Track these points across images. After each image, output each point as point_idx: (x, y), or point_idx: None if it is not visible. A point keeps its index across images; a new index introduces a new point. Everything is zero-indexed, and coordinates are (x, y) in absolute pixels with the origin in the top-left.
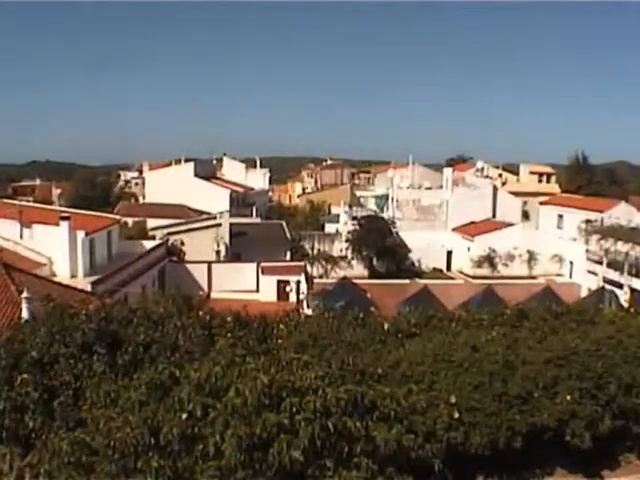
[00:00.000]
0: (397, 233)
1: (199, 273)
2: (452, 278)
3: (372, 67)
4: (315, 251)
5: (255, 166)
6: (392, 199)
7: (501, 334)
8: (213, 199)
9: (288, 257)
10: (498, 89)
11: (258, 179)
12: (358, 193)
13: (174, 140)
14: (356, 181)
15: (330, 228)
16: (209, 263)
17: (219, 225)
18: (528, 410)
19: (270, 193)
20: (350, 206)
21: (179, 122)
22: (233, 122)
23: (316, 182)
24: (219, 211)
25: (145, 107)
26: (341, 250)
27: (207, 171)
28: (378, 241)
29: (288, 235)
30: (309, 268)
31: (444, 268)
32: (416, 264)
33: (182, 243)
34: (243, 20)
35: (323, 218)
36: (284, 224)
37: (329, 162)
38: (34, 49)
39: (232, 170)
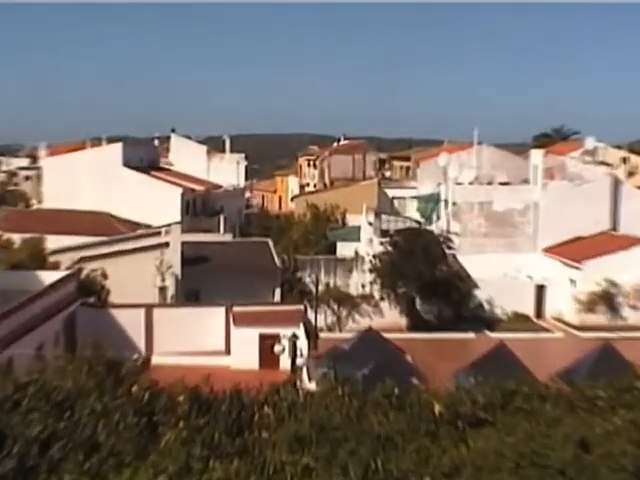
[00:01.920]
0: (454, 257)
1: (132, 323)
2: (546, 329)
3: None
4: (321, 287)
5: (223, 150)
6: (446, 202)
7: (628, 421)
8: (155, 203)
9: (277, 297)
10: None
11: (228, 171)
12: (390, 193)
13: (88, 113)
14: (387, 173)
15: (345, 249)
16: (148, 307)
17: (164, 246)
18: None
19: (248, 193)
20: (378, 214)
21: (99, 84)
22: (190, 81)
23: (322, 175)
24: (165, 223)
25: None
26: (363, 285)
27: (145, 158)
28: (423, 270)
29: (277, 261)
30: (311, 314)
31: (532, 313)
32: (486, 307)
33: (104, 275)
34: None
35: (334, 233)
36: (270, 243)
37: (343, 142)
38: None
39: (186, 157)
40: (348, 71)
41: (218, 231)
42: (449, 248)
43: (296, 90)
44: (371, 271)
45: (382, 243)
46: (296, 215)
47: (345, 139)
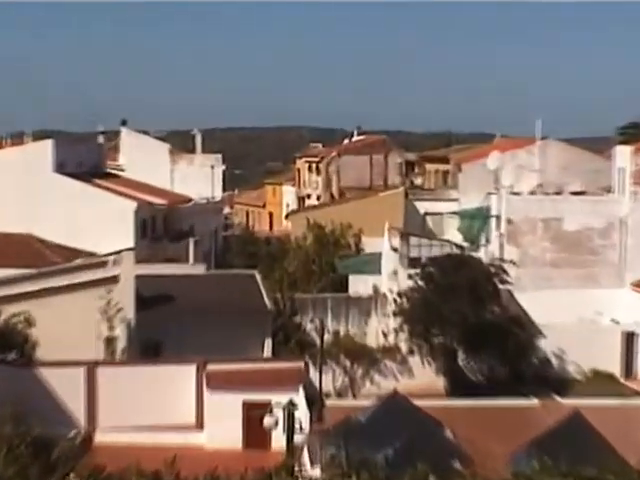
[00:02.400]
0: (510, 294)
1: (68, 388)
2: (638, 393)
3: None
4: (328, 336)
5: (193, 149)
6: (498, 219)
7: None
8: (99, 222)
9: (268, 350)
10: None
11: (200, 177)
12: (422, 207)
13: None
14: (417, 180)
15: (361, 285)
16: (91, 365)
17: (112, 281)
18: None
19: (227, 208)
20: (405, 236)
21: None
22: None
23: (328, 183)
24: (113, 250)
25: None
26: (385, 334)
27: (85, 161)
28: (468, 312)
29: (268, 301)
30: (314, 374)
31: (618, 371)
32: (554, 362)
33: (29, 321)
34: None
35: (345, 264)
36: (258, 277)
37: (357, 138)
38: None
39: (142, 159)
40: (361, 40)
41: (187, 261)
42: (503, 282)
43: (291, 66)
44: (396, 314)
45: (411, 276)
46: (293, 238)
47: (360, 134)
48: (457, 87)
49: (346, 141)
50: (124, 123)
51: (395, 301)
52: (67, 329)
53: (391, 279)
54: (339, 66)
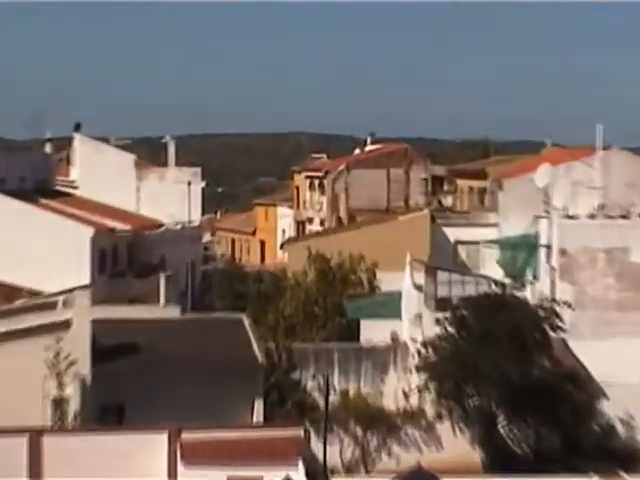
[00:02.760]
0: (565, 344)
1: (7, 460)
2: None
3: None
4: (335, 397)
5: (165, 162)
6: (549, 249)
7: None
8: (46, 252)
9: (258, 414)
10: None
11: (173, 196)
12: (452, 233)
13: None
14: (446, 200)
15: (376, 332)
16: (35, 433)
17: (63, 327)
18: None
19: (208, 235)
20: (431, 270)
21: None
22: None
23: (334, 203)
24: (63, 289)
25: None
26: (407, 394)
27: (29, 175)
28: (510, 368)
29: (259, 353)
30: (318, 444)
31: None
32: (620, 430)
33: None
34: None
35: (356, 305)
36: (247, 322)
37: (371, 148)
38: None
39: (100, 173)
40: (377, 26)
41: (157, 302)
42: (555, 329)
43: (286, 58)
44: (420, 369)
45: (439, 321)
46: (291, 273)
47: (374, 142)
48: (496, 84)
49: (357, 151)
50: (78, 128)
51: (419, 353)
52: (5, 387)
53: (414, 325)
54: (347, 59)
